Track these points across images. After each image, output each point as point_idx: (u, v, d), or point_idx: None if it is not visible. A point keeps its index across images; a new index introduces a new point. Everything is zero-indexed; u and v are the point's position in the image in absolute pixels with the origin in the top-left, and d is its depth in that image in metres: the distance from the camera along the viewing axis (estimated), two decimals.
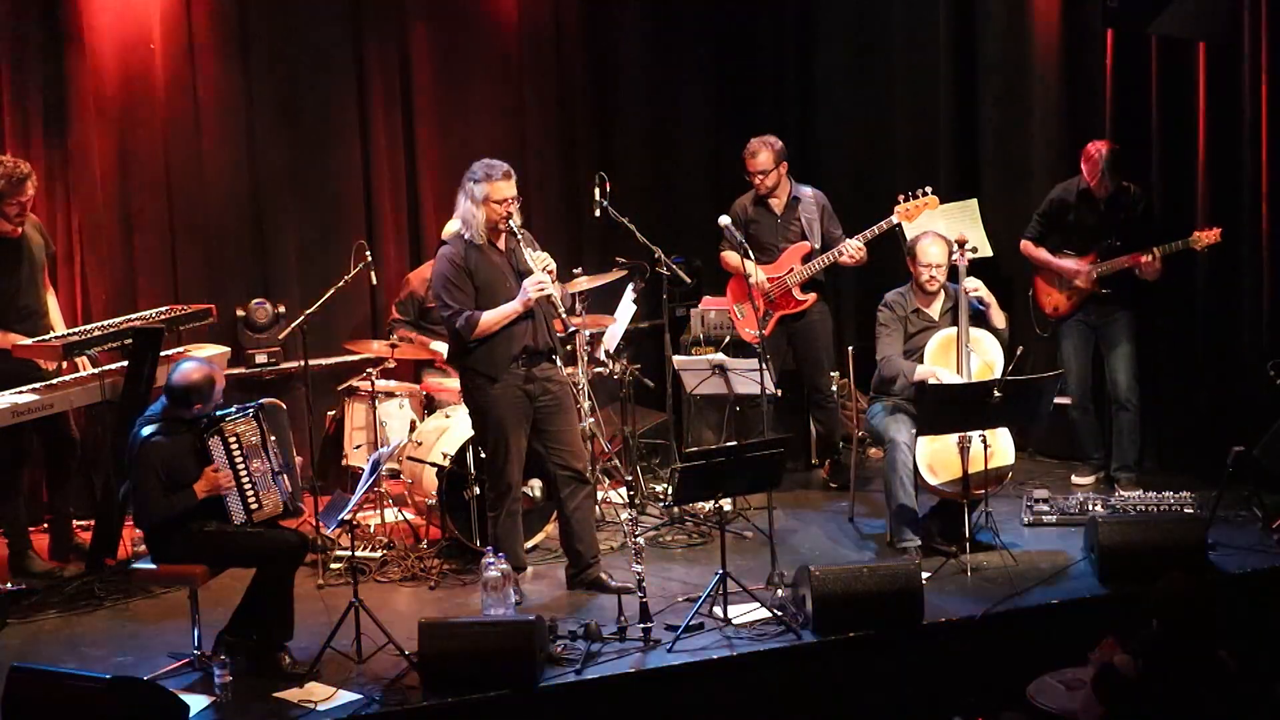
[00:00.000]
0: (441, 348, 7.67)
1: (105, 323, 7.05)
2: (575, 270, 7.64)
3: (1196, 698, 4.68)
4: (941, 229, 7.65)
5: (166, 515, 5.67)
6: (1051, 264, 7.61)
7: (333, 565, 6.79)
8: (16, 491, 7.01)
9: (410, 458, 7.12)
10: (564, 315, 6.33)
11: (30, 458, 7.03)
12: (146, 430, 5.71)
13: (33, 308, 6.96)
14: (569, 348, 6.99)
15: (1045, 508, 7.15)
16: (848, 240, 7.57)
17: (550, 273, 6.31)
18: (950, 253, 6.87)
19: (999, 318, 6.90)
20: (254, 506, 5.80)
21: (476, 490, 6.83)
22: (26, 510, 7.12)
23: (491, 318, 6.28)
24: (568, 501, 6.48)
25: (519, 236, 6.33)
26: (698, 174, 9.23)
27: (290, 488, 5.96)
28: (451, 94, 8.74)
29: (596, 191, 7.30)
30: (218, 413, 5.83)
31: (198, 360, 6.01)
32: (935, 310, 6.94)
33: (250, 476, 5.79)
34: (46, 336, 6.86)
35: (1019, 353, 6.59)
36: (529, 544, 6.89)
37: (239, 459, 5.77)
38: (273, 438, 5.90)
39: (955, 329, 6.80)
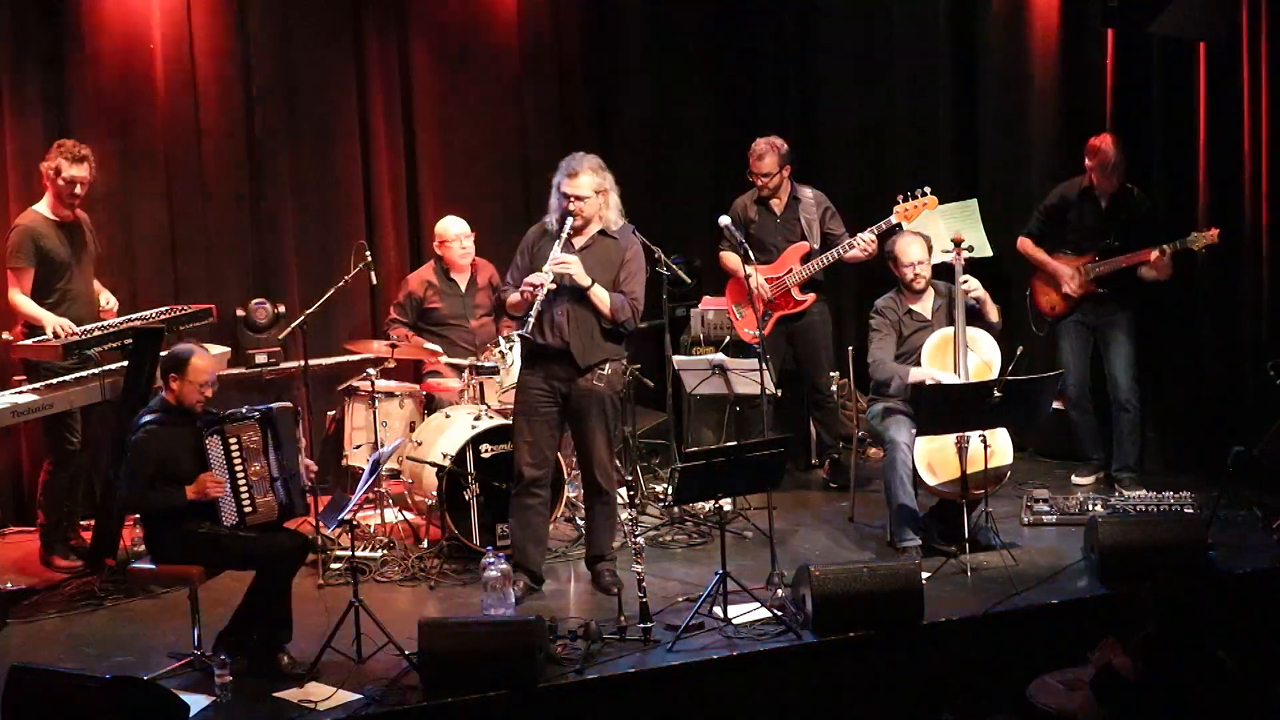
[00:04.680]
0: (437, 348, 7.68)
1: (105, 323, 7.05)
2: None
3: (1196, 698, 4.68)
4: (941, 229, 7.67)
5: (147, 507, 5.68)
6: (1046, 264, 7.61)
7: (333, 565, 6.79)
8: (61, 488, 7.04)
9: (410, 458, 7.12)
10: (530, 320, 6.26)
11: (73, 457, 7.05)
12: (144, 419, 5.71)
13: (86, 294, 7.09)
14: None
15: (1045, 508, 7.15)
16: (859, 234, 7.54)
17: (565, 274, 6.24)
18: (929, 247, 6.89)
19: (993, 310, 6.90)
20: (248, 510, 5.79)
21: (476, 490, 6.84)
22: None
23: (512, 299, 6.39)
24: (585, 503, 6.62)
25: (562, 236, 6.29)
26: (698, 173, 9.23)
27: (289, 495, 5.95)
28: (451, 94, 8.74)
29: None
30: (225, 414, 5.83)
31: (191, 343, 6.04)
32: (927, 309, 6.94)
33: (247, 479, 5.78)
34: (107, 322, 7.03)
35: (1019, 352, 6.59)
36: None
37: (237, 461, 5.76)
38: (275, 446, 5.88)
39: (951, 329, 6.80)
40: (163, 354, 5.86)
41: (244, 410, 5.87)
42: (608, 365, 6.40)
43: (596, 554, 6.56)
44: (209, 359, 5.88)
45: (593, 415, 6.40)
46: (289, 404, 6.14)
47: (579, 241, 6.37)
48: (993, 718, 5.26)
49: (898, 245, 6.92)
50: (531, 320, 6.25)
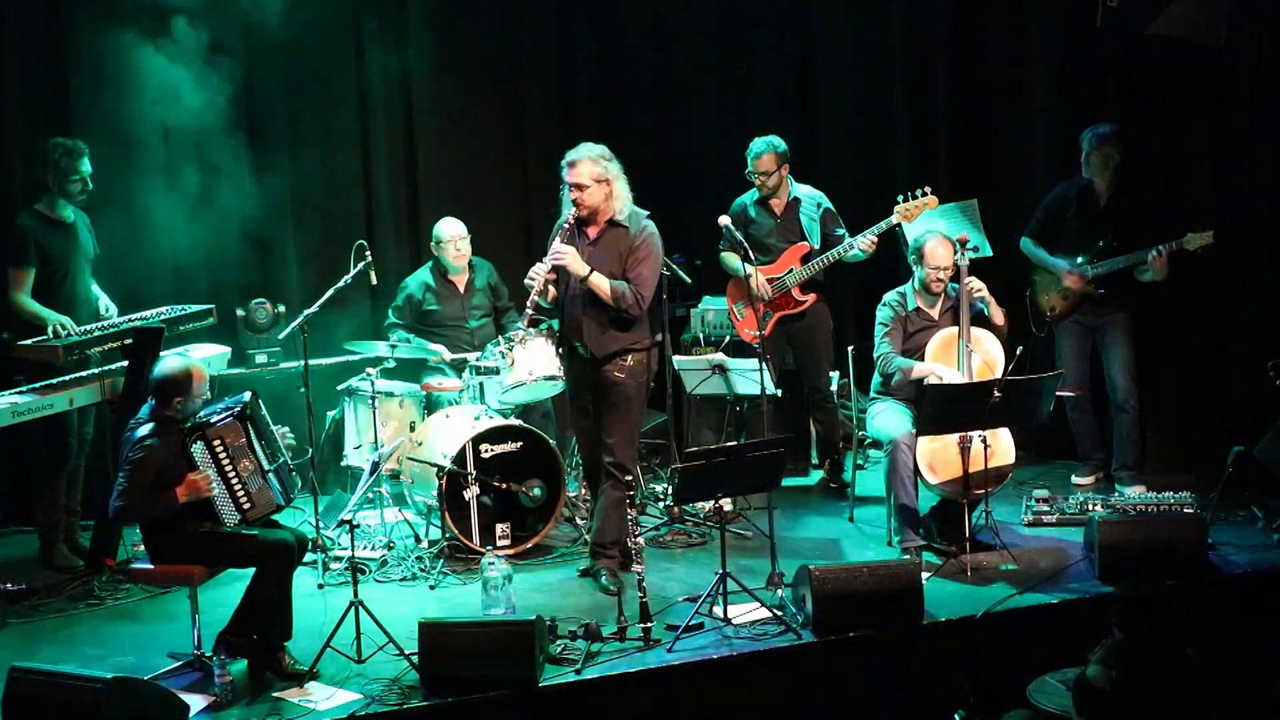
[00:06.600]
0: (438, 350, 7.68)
1: (105, 323, 7.05)
2: None
3: (1171, 699, 4.69)
4: (941, 229, 7.64)
5: (146, 517, 5.68)
6: (1045, 262, 7.61)
7: (333, 565, 6.79)
8: (60, 488, 7.05)
9: (410, 458, 7.12)
10: (528, 313, 6.43)
11: (71, 456, 7.06)
12: (141, 432, 5.69)
13: (84, 295, 7.08)
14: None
15: (1045, 508, 7.15)
16: (859, 235, 7.54)
17: (562, 264, 6.31)
18: (954, 254, 6.88)
19: (998, 314, 6.90)
20: (246, 506, 5.78)
21: (476, 490, 6.84)
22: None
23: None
24: (602, 490, 6.59)
25: (564, 226, 6.37)
26: (699, 174, 9.22)
27: (282, 484, 5.95)
28: (452, 95, 8.74)
29: None
30: (201, 416, 5.81)
31: (179, 355, 6.01)
32: (936, 310, 6.95)
33: (240, 477, 5.78)
34: (107, 322, 7.03)
35: (1019, 352, 6.59)
36: (530, 543, 6.89)
37: (226, 462, 5.75)
38: (259, 437, 5.87)
39: (956, 328, 6.80)
40: (158, 378, 5.79)
41: (219, 410, 5.84)
42: (630, 356, 6.43)
43: (600, 542, 6.55)
44: (200, 365, 5.88)
45: (614, 405, 6.45)
46: (250, 390, 6.07)
47: (592, 233, 6.40)
48: (1006, 715, 5.25)
49: (927, 246, 6.90)
50: (529, 313, 6.41)
